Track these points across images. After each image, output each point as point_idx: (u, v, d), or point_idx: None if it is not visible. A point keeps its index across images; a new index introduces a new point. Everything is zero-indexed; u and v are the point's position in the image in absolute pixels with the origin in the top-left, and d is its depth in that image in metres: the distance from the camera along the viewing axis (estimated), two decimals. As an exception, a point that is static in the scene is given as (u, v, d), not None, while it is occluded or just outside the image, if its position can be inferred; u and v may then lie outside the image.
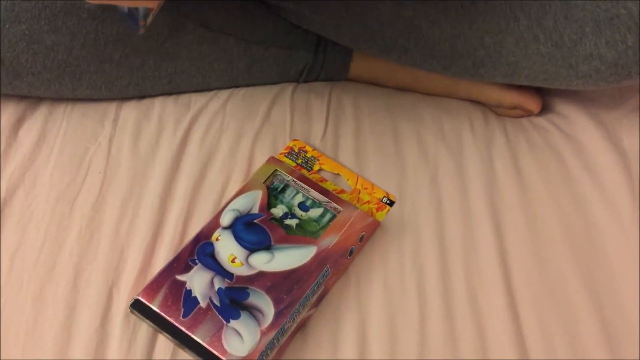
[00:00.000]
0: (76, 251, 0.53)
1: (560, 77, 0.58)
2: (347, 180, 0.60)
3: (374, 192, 0.59)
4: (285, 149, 0.62)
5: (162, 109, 0.65)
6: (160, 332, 0.48)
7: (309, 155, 0.61)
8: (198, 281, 0.49)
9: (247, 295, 0.49)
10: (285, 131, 0.64)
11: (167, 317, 0.47)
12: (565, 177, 0.61)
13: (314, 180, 0.58)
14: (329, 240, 0.53)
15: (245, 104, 0.66)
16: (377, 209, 0.58)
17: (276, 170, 0.58)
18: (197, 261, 0.51)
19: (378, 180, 0.60)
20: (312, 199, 0.57)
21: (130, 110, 0.64)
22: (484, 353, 0.49)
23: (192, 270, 0.50)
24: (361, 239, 0.54)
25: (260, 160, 0.60)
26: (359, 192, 0.59)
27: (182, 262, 0.51)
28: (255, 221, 0.54)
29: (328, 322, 0.50)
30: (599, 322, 0.51)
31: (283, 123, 0.65)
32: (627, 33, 0.53)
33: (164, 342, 0.48)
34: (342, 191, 0.59)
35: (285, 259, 0.51)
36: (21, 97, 0.64)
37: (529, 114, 0.67)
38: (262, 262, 0.51)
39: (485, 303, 0.52)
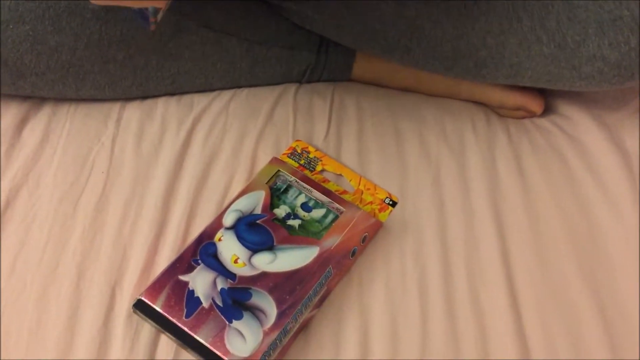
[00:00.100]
0: (79, 251, 0.53)
1: (563, 79, 0.58)
2: (350, 181, 0.60)
3: (377, 193, 0.59)
4: (288, 149, 0.62)
5: (165, 109, 0.65)
6: (163, 332, 0.48)
7: (311, 155, 0.61)
8: (201, 281, 0.49)
9: (250, 295, 0.49)
10: (288, 131, 0.64)
11: (170, 317, 0.47)
12: (568, 178, 0.60)
13: (316, 180, 0.58)
14: (332, 240, 0.53)
15: (248, 104, 0.66)
16: (380, 210, 0.58)
17: (279, 170, 0.58)
18: (199, 261, 0.51)
19: (380, 181, 0.60)
20: (315, 200, 0.57)
21: (133, 111, 0.65)
22: (486, 354, 0.49)
23: (195, 271, 0.50)
24: (364, 240, 0.54)
25: (263, 161, 0.61)
26: (362, 193, 0.59)
27: (184, 262, 0.51)
28: (258, 222, 0.54)
29: (330, 323, 0.50)
30: (601, 323, 0.51)
31: (286, 123, 0.65)
32: (630, 35, 0.53)
33: (166, 342, 0.48)
34: (345, 192, 0.59)
35: (288, 259, 0.51)
36: (24, 98, 0.64)
37: (531, 115, 0.67)
38: (264, 262, 0.51)
39: (487, 303, 0.52)
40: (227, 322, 0.47)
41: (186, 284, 0.49)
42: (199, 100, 0.66)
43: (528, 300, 0.52)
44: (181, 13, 0.62)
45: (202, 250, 0.51)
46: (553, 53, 0.56)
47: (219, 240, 0.52)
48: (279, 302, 0.49)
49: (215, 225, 0.53)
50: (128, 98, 0.65)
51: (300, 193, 0.57)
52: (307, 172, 0.60)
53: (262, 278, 0.50)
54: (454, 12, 0.58)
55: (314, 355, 0.49)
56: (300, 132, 0.64)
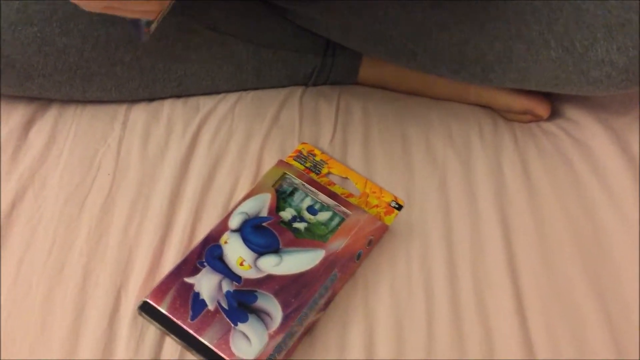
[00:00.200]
0: (85, 252, 0.53)
1: (571, 83, 0.58)
2: (356, 184, 0.60)
3: (383, 196, 0.59)
4: (294, 152, 0.62)
5: (171, 111, 0.65)
6: (168, 335, 0.48)
7: (317, 158, 0.61)
8: (206, 284, 0.49)
9: (255, 298, 0.49)
10: (293, 134, 0.64)
11: (175, 320, 0.47)
12: (574, 182, 0.60)
13: (322, 183, 0.58)
14: (337, 244, 0.53)
15: (254, 106, 0.66)
16: (386, 213, 0.58)
17: (285, 173, 0.58)
18: (205, 264, 0.51)
19: (386, 184, 0.60)
20: (321, 203, 0.57)
21: (139, 113, 0.65)
22: (491, 357, 0.49)
23: (201, 273, 0.50)
24: (369, 243, 0.54)
25: (268, 163, 0.61)
26: (368, 196, 0.59)
27: (190, 264, 0.51)
28: (263, 224, 0.54)
29: (335, 326, 0.50)
30: (606, 326, 0.50)
31: (292, 126, 0.65)
32: (638, 39, 0.53)
33: (171, 345, 0.48)
34: (351, 195, 0.59)
35: (294, 262, 0.51)
36: (31, 99, 0.64)
37: (538, 119, 0.67)
38: (270, 265, 0.51)
39: (492, 307, 0.51)
40: (233, 325, 0.47)
41: (192, 286, 0.49)
42: (205, 103, 0.66)
43: (533, 303, 0.52)
44: (188, 15, 0.63)
45: (208, 253, 0.51)
46: (561, 57, 0.56)
47: (225, 242, 0.52)
48: (284, 305, 0.48)
49: (221, 228, 0.53)
50: (134, 100, 0.66)
51: (306, 196, 0.57)
52: (313, 175, 0.60)
53: (268, 281, 0.50)
54: (461, 16, 0.58)
55: (319, 358, 0.48)
56: (306, 135, 0.64)
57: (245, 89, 0.68)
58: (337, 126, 0.65)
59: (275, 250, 0.52)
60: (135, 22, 0.49)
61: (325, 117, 0.66)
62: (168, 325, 0.47)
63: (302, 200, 0.57)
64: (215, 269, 0.50)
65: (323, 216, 0.56)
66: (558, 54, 0.56)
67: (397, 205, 0.58)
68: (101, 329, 0.49)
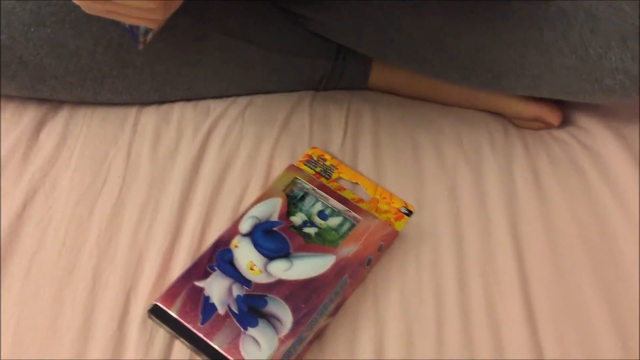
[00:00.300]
0: (95, 254, 0.53)
1: (583, 91, 0.58)
2: (366, 189, 0.60)
3: (393, 202, 0.59)
4: (304, 156, 0.62)
5: (182, 114, 0.65)
6: (178, 338, 0.48)
7: (327, 163, 0.61)
8: (216, 288, 0.49)
9: (266, 303, 0.49)
10: (304, 139, 0.64)
11: (185, 323, 0.47)
12: (586, 190, 0.60)
13: (332, 188, 0.58)
14: (348, 249, 0.53)
15: (264, 111, 0.66)
16: (396, 219, 0.57)
17: (296, 178, 0.58)
18: (215, 268, 0.51)
19: (396, 190, 0.60)
20: (332, 208, 0.57)
21: (150, 115, 0.65)
22: (502, 365, 0.49)
23: (211, 277, 0.50)
24: (379, 249, 0.54)
25: (279, 168, 0.61)
26: (378, 202, 0.59)
27: (201, 268, 0.51)
28: (274, 229, 0.54)
29: (345, 331, 0.50)
30: (616, 334, 0.50)
31: (302, 131, 0.65)
32: (653, 48, 0.53)
33: (180, 348, 0.48)
34: (361, 200, 0.59)
35: (304, 267, 0.51)
36: (42, 100, 0.64)
37: (549, 126, 0.66)
38: (280, 270, 0.51)
39: (503, 314, 0.51)
40: (243, 329, 0.47)
41: (202, 290, 0.49)
42: (216, 106, 0.66)
43: (544, 311, 0.52)
44: (200, 19, 0.63)
45: (218, 257, 0.51)
46: (575, 65, 0.56)
47: (235, 246, 0.52)
48: (294, 310, 0.48)
49: (232, 232, 0.53)
50: (145, 103, 0.66)
51: (317, 201, 0.57)
52: (323, 179, 0.60)
53: (278, 286, 0.50)
54: (475, 22, 0.58)
55: (328, 363, 0.48)
56: (316, 140, 0.64)
57: (255, 93, 0.68)
58: (348, 131, 0.65)
59: (285, 255, 0.52)
60: (132, 30, 0.49)
61: (335, 122, 0.66)
62: (178, 329, 0.47)
63: (313, 205, 0.57)
64: (226, 273, 0.50)
65: (334, 221, 0.56)
66: (572, 61, 0.56)
67: (407, 211, 0.58)
68: (111, 331, 0.48)
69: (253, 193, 0.58)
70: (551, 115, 0.65)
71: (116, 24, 0.59)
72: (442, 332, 0.50)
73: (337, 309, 0.51)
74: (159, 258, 0.53)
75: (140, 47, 0.50)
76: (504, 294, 0.53)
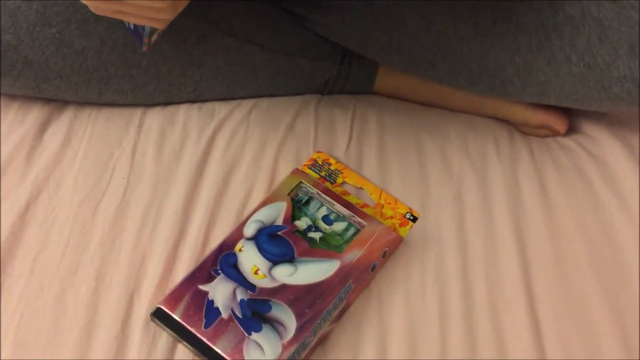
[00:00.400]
0: (98, 256, 0.53)
1: (590, 99, 0.57)
2: (371, 194, 0.60)
3: (397, 208, 0.58)
4: (309, 160, 0.61)
5: (187, 116, 0.65)
6: (180, 342, 0.48)
7: (332, 167, 0.61)
8: (220, 292, 0.49)
9: (270, 307, 0.48)
10: (309, 143, 0.64)
11: (189, 327, 0.47)
12: (591, 198, 0.60)
13: (337, 193, 0.58)
14: (353, 255, 0.52)
15: (269, 114, 0.66)
16: (400, 225, 0.57)
17: (301, 182, 0.58)
18: (219, 271, 0.50)
19: (401, 195, 0.60)
20: (337, 213, 0.56)
21: (154, 117, 0.65)
22: (506, 373, 0.48)
23: (215, 281, 0.50)
24: (384, 255, 0.54)
25: (283, 171, 0.60)
26: (382, 207, 0.58)
27: (205, 271, 0.50)
28: (279, 233, 0.54)
29: (349, 337, 0.50)
30: (620, 342, 0.50)
31: (307, 134, 0.65)
32: (662, 57, 0.53)
33: (183, 351, 0.48)
34: (366, 205, 0.59)
35: (308, 272, 0.51)
36: (47, 100, 0.64)
37: (555, 133, 0.66)
38: (285, 274, 0.51)
39: (507, 322, 0.51)
40: (246, 334, 0.47)
41: (206, 293, 0.49)
42: (221, 109, 0.66)
43: (548, 318, 0.51)
44: (206, 21, 0.62)
45: (223, 260, 0.51)
46: (582, 73, 0.56)
47: (240, 250, 0.52)
48: (298, 315, 0.48)
49: (236, 236, 0.53)
50: (150, 104, 0.65)
51: (321, 205, 0.57)
52: (327, 184, 0.60)
53: (282, 290, 0.50)
54: (482, 29, 0.57)
55: (332, 369, 0.48)
56: (321, 144, 0.64)
57: (261, 96, 0.68)
58: (353, 136, 0.65)
59: (290, 259, 0.52)
60: (137, 31, 0.49)
61: (340, 127, 0.66)
62: (181, 333, 0.47)
63: (318, 209, 0.56)
64: (230, 277, 0.50)
65: (338, 226, 0.55)
66: (579, 69, 0.56)
67: (412, 217, 0.58)
68: (113, 333, 0.48)
69: (257, 196, 0.58)
70: (558, 123, 0.65)
71: (121, 23, 0.59)
72: (446, 337, 0.50)
73: (341, 314, 0.50)
74: (163, 260, 0.53)
75: (145, 48, 0.49)
76: (508, 300, 0.52)
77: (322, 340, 0.49)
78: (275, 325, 0.47)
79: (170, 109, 0.66)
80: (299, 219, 0.55)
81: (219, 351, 0.46)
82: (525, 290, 0.53)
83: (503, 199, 0.59)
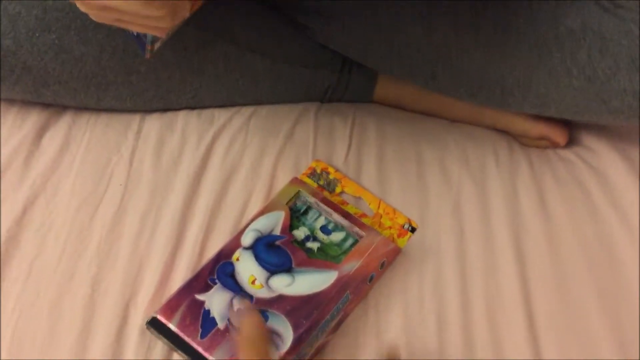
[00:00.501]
0: (95, 262, 0.52)
1: (591, 111, 0.57)
2: (369, 204, 0.59)
3: (396, 218, 0.58)
4: (308, 169, 0.61)
5: (186, 122, 0.65)
6: (176, 351, 0.47)
7: (331, 176, 0.61)
8: (217, 301, 0.49)
9: (266, 318, 0.48)
10: (308, 151, 0.64)
11: (185, 337, 0.47)
12: (591, 211, 0.60)
13: (336, 202, 0.58)
14: (350, 265, 0.52)
15: (268, 121, 0.66)
16: (399, 235, 0.57)
17: (299, 191, 0.58)
18: (217, 281, 0.50)
19: (400, 205, 0.60)
20: (335, 223, 0.56)
21: (153, 123, 0.64)
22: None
23: (212, 290, 0.49)
24: (382, 266, 0.53)
25: (282, 179, 0.60)
26: (381, 217, 0.58)
27: (201, 281, 0.50)
28: (276, 243, 0.53)
29: (345, 349, 0.50)
30: (621, 356, 0.50)
31: (306, 143, 0.64)
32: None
33: (179, 361, 0.48)
34: (364, 215, 0.58)
35: (306, 282, 0.51)
36: (45, 105, 0.64)
37: (555, 145, 0.66)
38: (282, 285, 0.50)
39: (506, 334, 0.51)
40: (243, 344, 0.46)
41: (202, 303, 0.49)
42: (220, 115, 0.66)
43: (547, 331, 0.51)
44: (206, 28, 0.62)
45: (220, 270, 0.51)
46: (582, 85, 0.56)
47: (237, 259, 0.52)
48: (295, 326, 0.48)
49: (234, 245, 0.53)
50: (148, 110, 0.65)
51: (320, 215, 0.57)
52: (326, 193, 0.59)
53: (279, 301, 0.49)
54: (483, 40, 0.57)
55: (328, 381, 0.48)
56: (320, 152, 0.63)
57: (260, 103, 0.68)
58: (352, 145, 0.65)
59: (287, 269, 0.52)
60: (139, 38, 0.49)
61: (340, 135, 0.65)
62: (177, 343, 0.47)
63: (316, 219, 0.56)
64: (227, 286, 0.50)
65: (337, 237, 0.55)
66: (580, 81, 0.56)
67: (410, 228, 0.58)
68: (109, 341, 0.48)
69: (255, 204, 0.58)
70: (558, 135, 0.65)
71: (122, 30, 0.59)
72: (444, 349, 0.50)
73: (338, 325, 0.50)
74: (159, 268, 0.52)
75: (148, 55, 0.49)
76: (506, 311, 0.52)
77: (319, 352, 0.49)
78: (272, 336, 0.47)
79: (169, 115, 0.65)
80: (297, 228, 0.55)
81: (214, 362, 0.46)
82: (524, 302, 0.53)
83: (502, 210, 0.59)
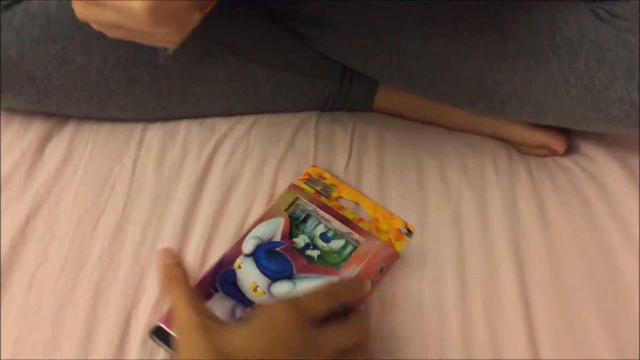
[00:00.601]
0: (97, 272, 0.53)
1: (588, 120, 0.58)
2: (366, 209, 0.60)
3: (393, 222, 0.59)
4: (304, 175, 0.62)
5: (187, 132, 0.65)
6: (178, 360, 0.47)
7: (327, 182, 0.61)
8: (219, 309, 0.49)
9: None
10: (308, 159, 0.64)
11: None
12: (590, 219, 0.60)
13: (333, 208, 0.58)
14: (350, 271, 0.53)
15: (269, 130, 0.67)
16: (396, 239, 0.57)
17: (298, 198, 0.58)
18: (218, 288, 0.50)
19: (400, 213, 0.60)
20: (334, 230, 0.57)
21: (155, 132, 0.65)
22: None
23: (214, 298, 0.50)
24: (381, 271, 0.54)
25: (283, 187, 0.60)
26: (378, 221, 0.59)
27: (204, 288, 0.50)
28: (277, 249, 0.54)
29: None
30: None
31: (307, 151, 0.65)
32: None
33: (181, 369, 0.48)
34: (361, 220, 0.59)
35: (307, 289, 0.51)
36: (48, 115, 0.64)
37: (553, 153, 0.67)
38: (284, 291, 0.51)
39: (505, 342, 0.51)
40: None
41: None
42: (221, 124, 0.67)
43: (547, 339, 0.51)
44: (208, 38, 0.63)
45: (222, 278, 0.51)
46: (580, 94, 0.56)
47: (239, 267, 0.52)
48: None
49: (235, 252, 0.53)
50: (151, 119, 0.66)
51: (319, 223, 0.57)
52: (323, 198, 0.60)
53: None
54: (482, 49, 0.58)
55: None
56: (321, 160, 0.64)
57: (261, 112, 0.68)
58: (352, 153, 0.65)
59: (289, 276, 0.52)
60: (153, 47, 0.49)
61: (340, 144, 0.66)
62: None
63: (315, 227, 0.57)
64: (229, 294, 0.50)
65: (336, 244, 0.56)
66: (577, 90, 0.56)
67: (407, 231, 0.58)
68: (111, 351, 0.48)
69: (257, 213, 0.58)
70: (556, 143, 0.65)
71: (125, 42, 0.59)
72: (445, 355, 0.50)
73: None
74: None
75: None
76: (506, 320, 0.52)
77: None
78: None
79: (171, 124, 0.66)
80: (296, 236, 0.55)
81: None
82: (523, 310, 0.53)
83: (501, 219, 0.60)
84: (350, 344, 0.44)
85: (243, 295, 0.50)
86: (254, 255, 0.53)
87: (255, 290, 0.51)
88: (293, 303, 0.43)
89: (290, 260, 0.53)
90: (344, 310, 0.47)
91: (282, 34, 0.67)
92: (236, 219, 0.58)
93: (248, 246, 0.54)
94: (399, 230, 0.58)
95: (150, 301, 0.51)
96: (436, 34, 0.59)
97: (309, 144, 0.65)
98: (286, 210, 0.57)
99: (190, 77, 0.64)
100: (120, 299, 0.51)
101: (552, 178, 0.64)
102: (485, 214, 0.60)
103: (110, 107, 0.63)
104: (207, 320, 0.42)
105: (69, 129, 0.64)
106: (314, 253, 0.54)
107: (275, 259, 0.53)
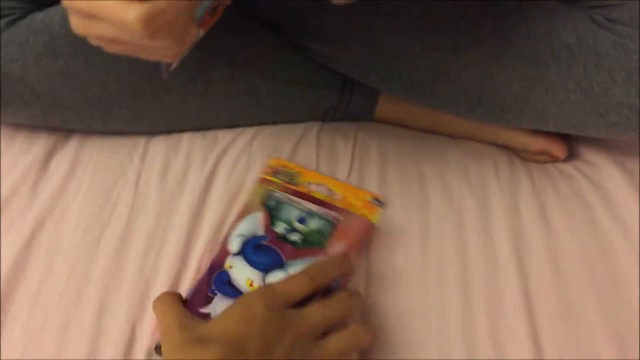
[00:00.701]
0: (102, 286, 0.53)
1: (588, 125, 0.58)
2: (334, 188, 0.61)
3: (360, 195, 0.60)
4: (268, 168, 0.62)
5: (190, 144, 0.66)
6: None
7: (292, 170, 0.62)
8: (222, 310, 0.49)
9: None
10: (310, 170, 0.64)
11: None
12: (592, 224, 0.60)
13: (305, 192, 0.59)
14: (337, 247, 0.54)
15: (271, 141, 0.67)
16: (369, 212, 0.59)
17: (269, 189, 0.59)
18: (216, 291, 0.51)
19: (402, 222, 0.60)
20: (309, 212, 0.57)
21: (158, 145, 0.65)
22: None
23: (214, 301, 0.50)
24: (362, 244, 0.55)
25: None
26: (348, 198, 0.60)
27: (202, 295, 0.50)
28: (263, 242, 0.54)
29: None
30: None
31: (309, 162, 0.65)
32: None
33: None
34: (333, 199, 0.60)
35: None
36: (53, 130, 0.65)
37: (555, 159, 0.67)
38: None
39: (508, 347, 0.51)
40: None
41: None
42: (224, 136, 0.67)
43: (550, 346, 0.51)
44: (208, 51, 0.63)
45: (217, 280, 0.51)
46: (579, 99, 0.56)
47: (230, 267, 0.52)
48: None
49: (222, 254, 0.53)
50: (154, 132, 0.66)
51: (293, 208, 0.57)
52: (292, 185, 0.60)
53: None
54: (482, 58, 0.58)
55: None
56: (323, 171, 0.64)
57: (263, 123, 0.69)
58: (354, 163, 0.65)
59: (279, 265, 0.52)
60: (156, 63, 0.50)
61: (342, 154, 0.66)
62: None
63: (291, 212, 0.57)
64: (228, 294, 0.50)
65: (314, 224, 0.56)
66: (577, 96, 0.56)
67: (377, 202, 0.59)
68: (116, 364, 0.48)
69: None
70: (557, 149, 0.66)
71: (128, 56, 0.60)
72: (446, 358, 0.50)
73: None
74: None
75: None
76: (509, 325, 0.52)
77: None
78: None
79: (174, 137, 0.67)
80: (275, 225, 0.56)
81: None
82: (526, 315, 0.53)
83: (503, 225, 0.60)
84: (331, 321, 0.46)
85: (240, 292, 0.50)
86: (242, 252, 0.53)
87: (251, 285, 0.51)
88: (266, 288, 0.47)
89: (278, 249, 0.54)
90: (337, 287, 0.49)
91: (282, 46, 0.67)
92: (239, 230, 0.58)
93: (235, 245, 0.54)
94: (368, 202, 0.59)
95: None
96: (436, 43, 0.59)
97: (310, 154, 0.66)
98: (261, 203, 0.58)
99: (192, 90, 0.64)
100: (125, 313, 0.51)
101: (553, 184, 0.64)
102: (488, 220, 0.60)
103: (113, 120, 0.64)
104: (187, 320, 0.45)
105: (73, 144, 0.65)
106: (296, 237, 0.55)
107: (263, 252, 0.53)
